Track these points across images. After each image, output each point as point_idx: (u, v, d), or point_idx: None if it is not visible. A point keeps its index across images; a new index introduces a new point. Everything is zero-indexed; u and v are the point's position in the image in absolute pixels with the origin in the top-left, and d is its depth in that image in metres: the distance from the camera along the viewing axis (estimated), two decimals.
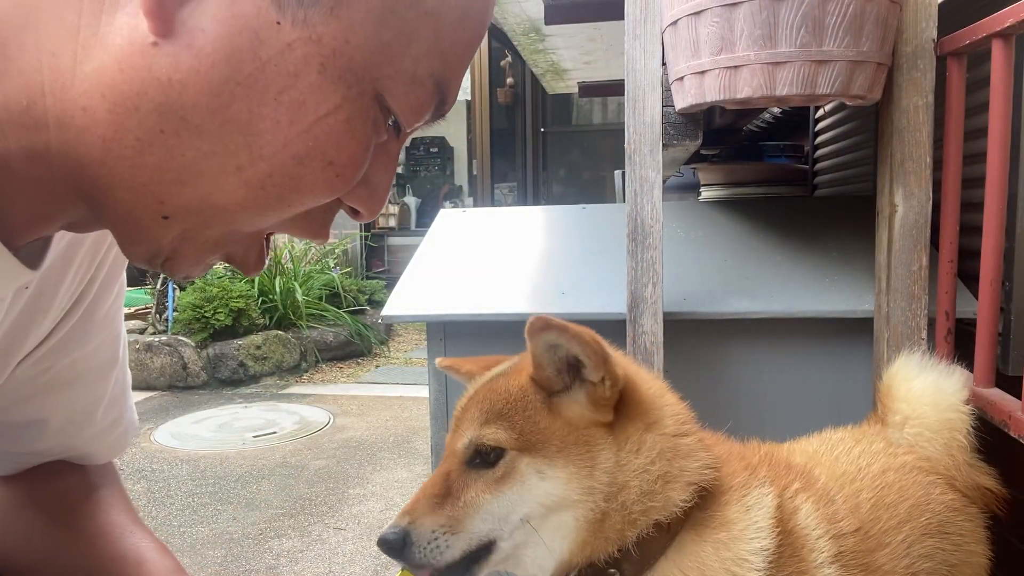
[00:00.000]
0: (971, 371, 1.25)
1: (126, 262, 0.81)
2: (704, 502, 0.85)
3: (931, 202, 1.36)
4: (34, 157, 0.50)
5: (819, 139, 2.87)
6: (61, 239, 0.66)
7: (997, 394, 1.22)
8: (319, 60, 0.49)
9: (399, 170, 9.42)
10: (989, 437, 1.13)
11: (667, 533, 0.83)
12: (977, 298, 1.27)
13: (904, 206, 1.36)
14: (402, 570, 0.82)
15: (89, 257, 0.74)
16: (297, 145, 0.51)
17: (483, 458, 0.83)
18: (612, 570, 0.82)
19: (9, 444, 0.81)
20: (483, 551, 0.83)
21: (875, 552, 0.94)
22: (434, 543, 0.80)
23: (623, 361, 0.88)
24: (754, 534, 0.84)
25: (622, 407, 0.85)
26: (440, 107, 0.57)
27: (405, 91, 0.53)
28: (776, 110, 2.84)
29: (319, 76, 0.50)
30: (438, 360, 1.02)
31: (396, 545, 0.80)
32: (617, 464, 0.82)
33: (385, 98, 0.53)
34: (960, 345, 1.36)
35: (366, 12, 0.50)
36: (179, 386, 4.88)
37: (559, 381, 0.85)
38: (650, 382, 0.91)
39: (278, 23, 0.48)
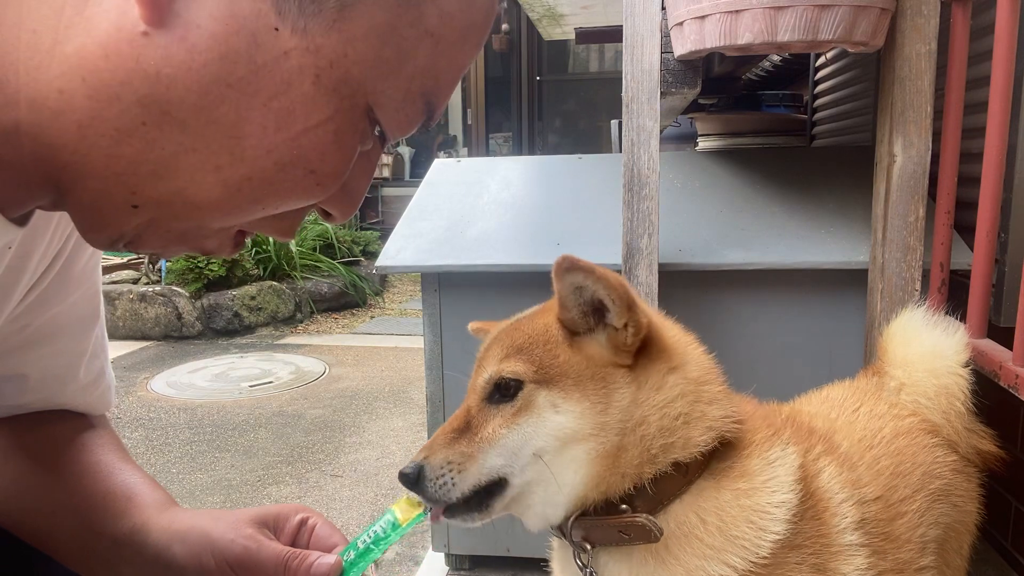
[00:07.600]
0: (963, 322, 1.26)
1: None
2: (725, 453, 0.85)
3: (931, 152, 1.35)
4: (3, 135, 0.49)
5: (819, 88, 2.83)
6: None
7: (988, 344, 1.23)
8: (314, 71, 0.48)
9: None
10: (981, 393, 1.12)
11: (684, 476, 0.83)
12: (972, 249, 1.26)
13: (903, 156, 1.35)
14: (406, 498, 0.83)
15: (68, 217, 0.72)
16: (281, 152, 0.50)
17: (502, 393, 0.84)
18: (624, 506, 0.82)
19: None
20: (495, 487, 0.84)
21: (894, 521, 0.93)
22: (442, 478, 0.81)
23: (648, 309, 0.87)
24: (776, 487, 0.84)
25: (645, 351, 0.85)
26: (427, 122, 0.57)
27: (396, 107, 0.53)
28: (776, 58, 2.79)
29: (312, 87, 0.49)
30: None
31: (412, 479, 0.82)
32: (634, 402, 0.82)
33: (375, 112, 0.53)
34: (953, 296, 1.36)
35: (368, 28, 0.49)
36: (174, 336, 4.88)
37: (583, 323, 0.85)
38: (675, 330, 0.91)
39: (276, 29, 0.47)
